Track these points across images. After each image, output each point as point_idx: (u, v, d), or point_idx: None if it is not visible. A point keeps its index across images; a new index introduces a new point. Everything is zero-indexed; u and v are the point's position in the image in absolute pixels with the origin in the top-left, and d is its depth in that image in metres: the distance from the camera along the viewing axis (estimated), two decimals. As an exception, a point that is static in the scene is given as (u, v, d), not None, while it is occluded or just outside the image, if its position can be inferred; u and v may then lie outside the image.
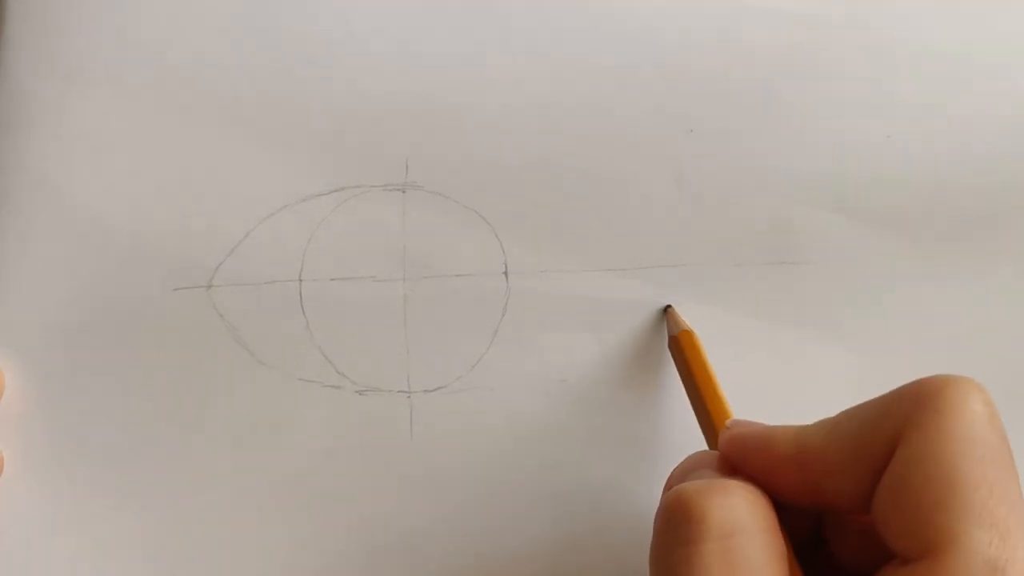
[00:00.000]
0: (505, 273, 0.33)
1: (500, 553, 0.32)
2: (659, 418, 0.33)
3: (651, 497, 0.32)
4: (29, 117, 0.33)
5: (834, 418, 0.24)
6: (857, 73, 0.35)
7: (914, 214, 0.35)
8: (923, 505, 0.21)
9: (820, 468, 0.24)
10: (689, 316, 0.34)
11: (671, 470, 0.28)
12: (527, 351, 0.33)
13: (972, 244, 0.35)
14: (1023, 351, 0.35)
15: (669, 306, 0.33)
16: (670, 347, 0.33)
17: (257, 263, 0.33)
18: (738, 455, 0.25)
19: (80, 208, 0.32)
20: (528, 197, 0.34)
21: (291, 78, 0.33)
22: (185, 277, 0.32)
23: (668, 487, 0.27)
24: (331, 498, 0.32)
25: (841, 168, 0.35)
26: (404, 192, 0.33)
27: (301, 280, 0.33)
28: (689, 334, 0.32)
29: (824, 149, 0.35)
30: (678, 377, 0.32)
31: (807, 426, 0.25)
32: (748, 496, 0.23)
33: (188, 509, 0.32)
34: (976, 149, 0.35)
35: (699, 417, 0.30)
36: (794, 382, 0.34)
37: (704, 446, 0.29)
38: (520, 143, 0.34)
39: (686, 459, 0.27)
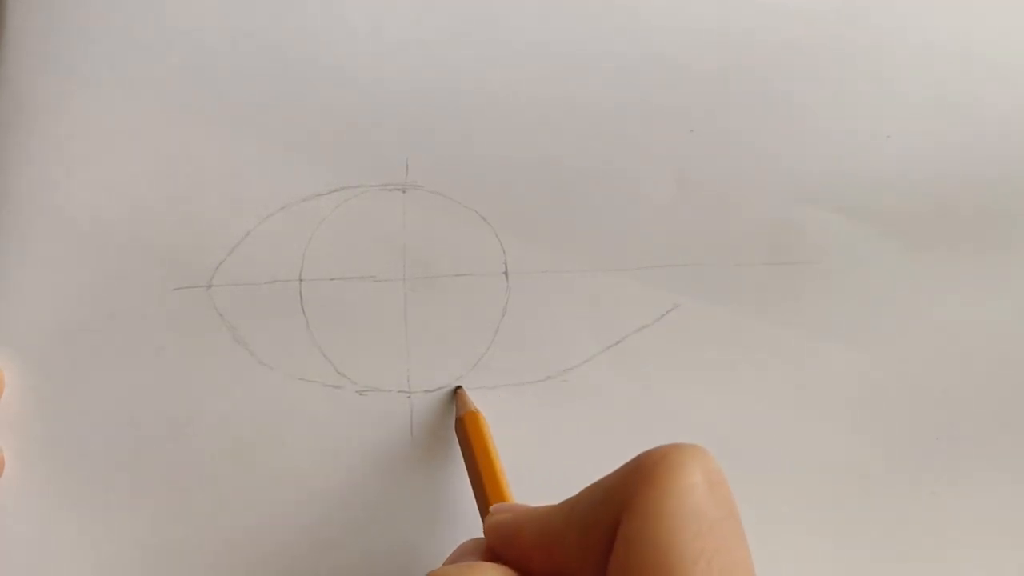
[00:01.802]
0: (505, 273, 0.33)
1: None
2: (658, 418, 0.33)
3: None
4: (29, 117, 0.33)
5: (573, 498, 0.24)
6: (858, 73, 0.35)
7: (914, 214, 0.35)
8: None
9: (561, 553, 0.23)
10: (689, 316, 0.34)
11: None
12: (527, 351, 0.33)
13: (973, 243, 0.35)
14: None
15: (459, 387, 0.33)
16: (456, 428, 0.32)
17: (257, 263, 0.33)
18: (497, 542, 0.25)
19: (80, 208, 0.32)
20: (528, 197, 0.34)
21: (291, 78, 0.33)
22: (185, 277, 0.32)
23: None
24: (331, 498, 0.32)
25: (842, 168, 0.35)
26: (404, 192, 0.33)
27: (301, 280, 0.33)
28: (474, 416, 0.31)
29: (825, 149, 0.35)
30: (677, 372, 0.32)
31: (553, 507, 0.24)
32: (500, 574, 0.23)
33: (188, 509, 0.32)
34: (977, 148, 0.35)
35: (478, 500, 0.30)
36: (794, 382, 0.34)
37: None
38: (520, 143, 0.34)
39: (458, 547, 0.28)
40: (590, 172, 0.34)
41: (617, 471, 0.23)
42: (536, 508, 0.25)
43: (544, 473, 0.33)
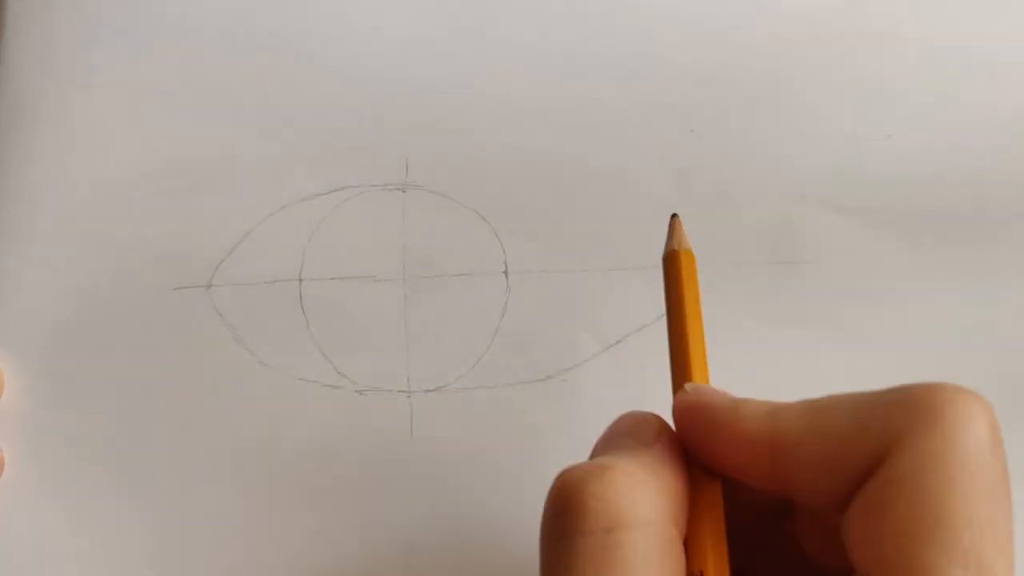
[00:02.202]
0: (505, 272, 0.33)
1: (500, 552, 0.32)
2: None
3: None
4: (29, 117, 0.33)
5: (816, 404, 0.22)
6: (858, 72, 0.35)
7: (914, 214, 0.35)
8: (902, 534, 0.19)
9: (794, 460, 0.21)
10: (689, 316, 0.34)
11: None
12: (527, 350, 0.33)
13: (973, 243, 0.35)
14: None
15: (675, 215, 0.29)
16: (664, 265, 0.28)
17: (257, 262, 0.33)
18: (692, 427, 0.23)
19: (80, 208, 0.32)
20: (528, 196, 0.34)
21: (291, 78, 0.33)
22: (185, 276, 0.32)
23: (593, 451, 0.24)
24: (331, 498, 0.32)
25: (842, 167, 0.35)
26: (404, 191, 0.33)
27: (301, 279, 0.33)
28: (688, 255, 0.28)
29: (825, 148, 0.35)
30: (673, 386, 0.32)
31: (780, 406, 0.22)
32: (633, 484, 0.21)
33: (188, 508, 0.32)
34: (977, 148, 0.35)
35: (672, 359, 0.26)
36: (794, 382, 0.34)
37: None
38: (520, 143, 0.34)
39: (622, 417, 0.25)
40: (590, 171, 0.34)
41: (884, 394, 0.21)
42: (746, 400, 0.23)
43: (545, 473, 0.33)
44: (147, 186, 0.33)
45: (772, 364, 0.34)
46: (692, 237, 0.34)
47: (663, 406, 0.33)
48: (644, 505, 0.20)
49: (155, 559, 0.32)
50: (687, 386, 0.25)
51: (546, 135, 0.34)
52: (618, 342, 0.33)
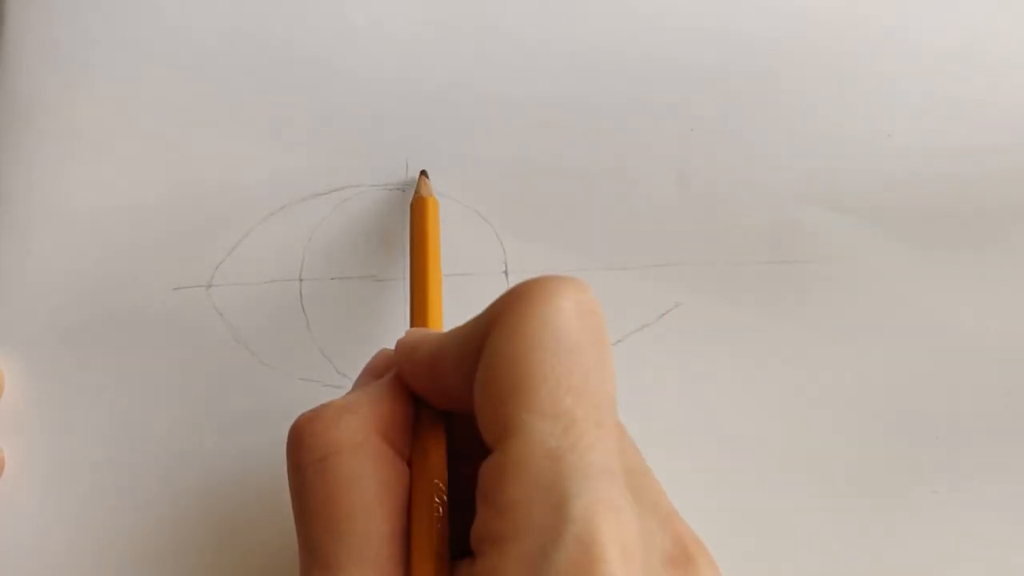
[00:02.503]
0: (505, 272, 0.33)
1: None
2: (659, 417, 0.33)
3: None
4: (29, 117, 0.33)
5: (462, 324, 0.24)
6: (858, 72, 0.35)
7: (915, 213, 0.35)
8: (497, 398, 0.21)
9: (443, 372, 0.24)
10: (689, 315, 0.34)
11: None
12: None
13: (973, 243, 0.35)
14: (1024, 350, 0.35)
15: (423, 171, 0.33)
16: (411, 211, 0.32)
17: (257, 262, 0.33)
18: (399, 362, 0.26)
19: (80, 208, 0.32)
20: (528, 197, 0.34)
21: (291, 77, 0.33)
22: (185, 276, 0.32)
23: (354, 384, 0.28)
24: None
25: (842, 167, 0.35)
26: (404, 192, 0.33)
27: (301, 279, 0.33)
28: (425, 201, 0.31)
29: (825, 148, 0.35)
30: (678, 371, 0.32)
31: (447, 331, 0.25)
32: (340, 414, 0.24)
33: (188, 508, 0.32)
34: (978, 148, 0.35)
35: (411, 302, 0.30)
36: (794, 382, 0.34)
37: None
38: (520, 143, 0.34)
39: (375, 355, 0.28)
40: (590, 171, 0.34)
41: (498, 297, 0.23)
42: (440, 332, 0.26)
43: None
44: (147, 186, 0.33)
45: (772, 364, 0.34)
46: (692, 237, 0.34)
47: (662, 404, 0.33)
48: (350, 430, 0.24)
49: (155, 559, 0.32)
50: (408, 330, 0.27)
51: (546, 135, 0.34)
52: (618, 342, 0.33)
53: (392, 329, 0.33)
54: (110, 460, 0.32)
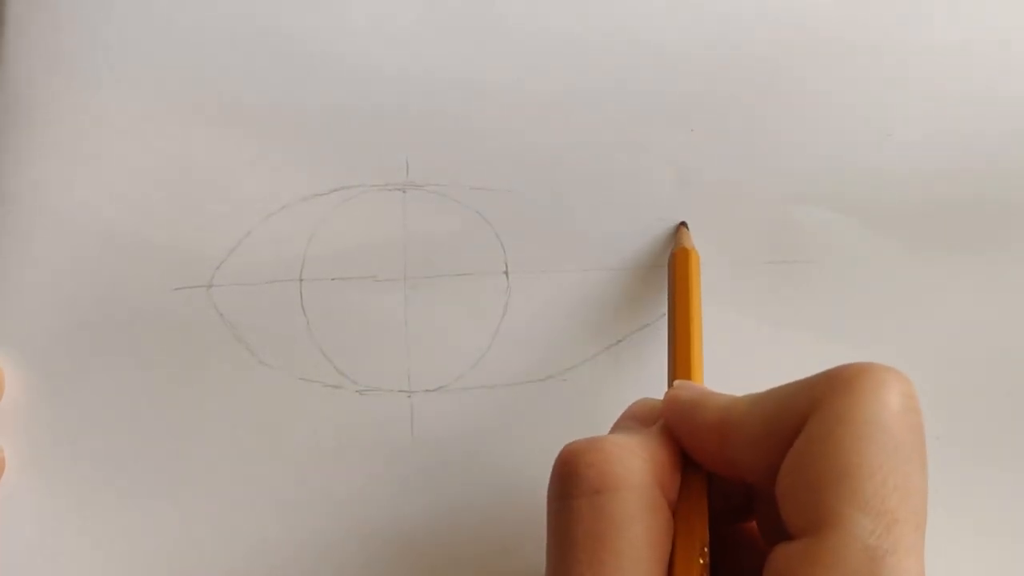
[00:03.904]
0: (506, 273, 0.33)
1: (500, 552, 0.32)
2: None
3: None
4: (29, 117, 0.33)
5: (762, 392, 0.24)
6: (858, 71, 0.35)
7: (914, 213, 0.35)
8: (815, 485, 0.21)
9: (737, 440, 0.24)
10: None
11: None
12: (528, 350, 0.33)
13: (973, 242, 0.35)
14: (1024, 350, 0.35)
15: (683, 223, 0.33)
16: (668, 265, 0.32)
17: (258, 263, 0.33)
18: (672, 416, 0.25)
19: (80, 208, 0.32)
20: (528, 197, 0.34)
21: (291, 77, 0.33)
22: (185, 276, 0.32)
23: (613, 428, 0.28)
24: (331, 498, 0.32)
25: (842, 166, 0.35)
26: (404, 192, 0.33)
27: (302, 280, 0.33)
28: (687, 253, 0.31)
29: (825, 148, 0.35)
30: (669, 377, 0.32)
31: (736, 398, 0.25)
32: (621, 453, 0.23)
33: (188, 508, 0.32)
34: (977, 147, 0.35)
35: (671, 355, 0.30)
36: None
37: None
38: (520, 143, 0.34)
39: (635, 402, 0.28)
40: (590, 172, 0.34)
41: (812, 376, 0.23)
42: (719, 394, 0.25)
43: (545, 473, 0.33)
44: (147, 186, 0.33)
45: (772, 364, 0.34)
46: (692, 236, 0.34)
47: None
48: (630, 471, 0.23)
49: (155, 558, 0.32)
50: (676, 382, 0.28)
51: (546, 135, 0.34)
52: (618, 342, 0.33)
53: (392, 330, 0.33)
54: (110, 459, 0.32)
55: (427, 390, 0.33)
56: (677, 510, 0.24)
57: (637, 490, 0.23)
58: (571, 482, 0.23)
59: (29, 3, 0.33)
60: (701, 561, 0.23)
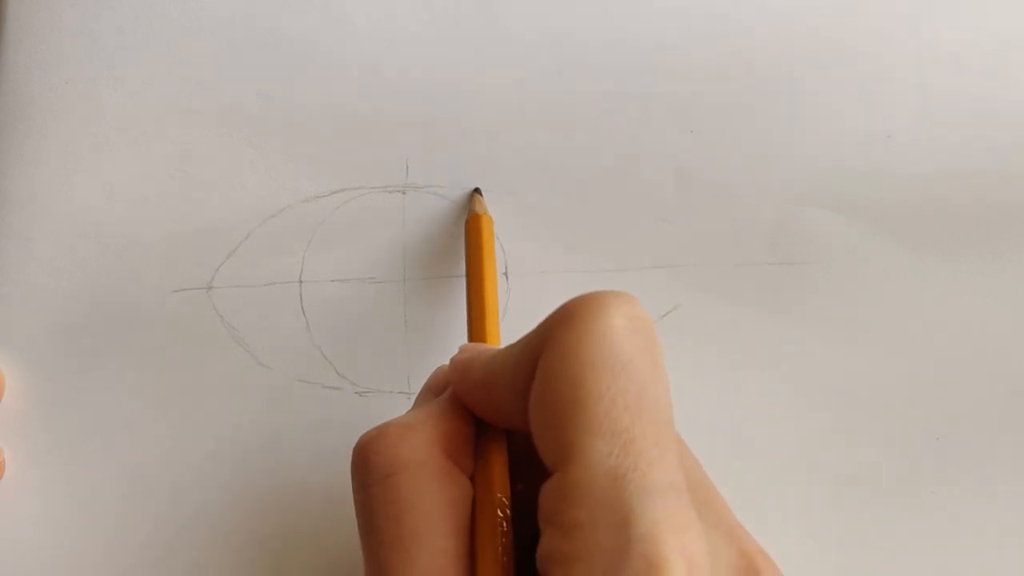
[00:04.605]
0: (505, 274, 0.33)
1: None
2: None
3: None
4: (29, 118, 0.33)
5: (514, 342, 0.24)
6: (858, 72, 0.35)
7: (915, 213, 0.35)
8: (553, 420, 0.21)
9: (496, 391, 0.24)
10: (690, 316, 0.34)
11: None
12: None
13: (973, 243, 0.35)
14: None
15: (477, 188, 0.33)
16: (466, 229, 0.32)
17: (257, 264, 0.33)
18: (454, 377, 0.26)
19: (80, 209, 0.32)
20: (528, 198, 0.34)
21: (291, 79, 0.33)
22: (185, 278, 0.32)
23: (414, 403, 0.28)
24: (331, 499, 0.32)
25: (842, 168, 0.35)
26: (404, 194, 0.33)
27: (301, 281, 0.33)
28: (480, 218, 0.32)
29: (825, 149, 0.35)
30: (678, 372, 0.32)
31: (501, 348, 0.25)
32: (404, 433, 0.24)
33: (188, 510, 0.32)
34: (977, 148, 0.35)
35: (468, 317, 0.30)
36: (794, 382, 0.34)
37: None
38: (519, 144, 0.34)
39: (432, 374, 0.28)
40: (590, 172, 0.34)
41: (549, 315, 0.23)
42: (492, 348, 0.26)
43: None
44: (147, 187, 0.33)
45: (772, 365, 0.34)
46: (692, 237, 0.34)
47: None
48: (413, 449, 0.24)
49: (155, 560, 0.32)
50: (461, 346, 0.27)
51: (546, 137, 0.34)
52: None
53: (392, 331, 0.33)
54: (110, 461, 0.32)
55: (427, 391, 0.33)
56: (475, 472, 0.24)
57: (423, 465, 0.23)
58: (364, 471, 0.24)
59: (29, 3, 0.33)
60: (500, 514, 0.23)
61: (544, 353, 0.22)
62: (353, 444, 0.32)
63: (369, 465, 0.24)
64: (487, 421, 0.25)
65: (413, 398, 0.33)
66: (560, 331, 0.22)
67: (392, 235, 0.33)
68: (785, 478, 0.34)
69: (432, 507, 0.23)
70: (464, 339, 0.32)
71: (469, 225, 0.32)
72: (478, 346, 0.27)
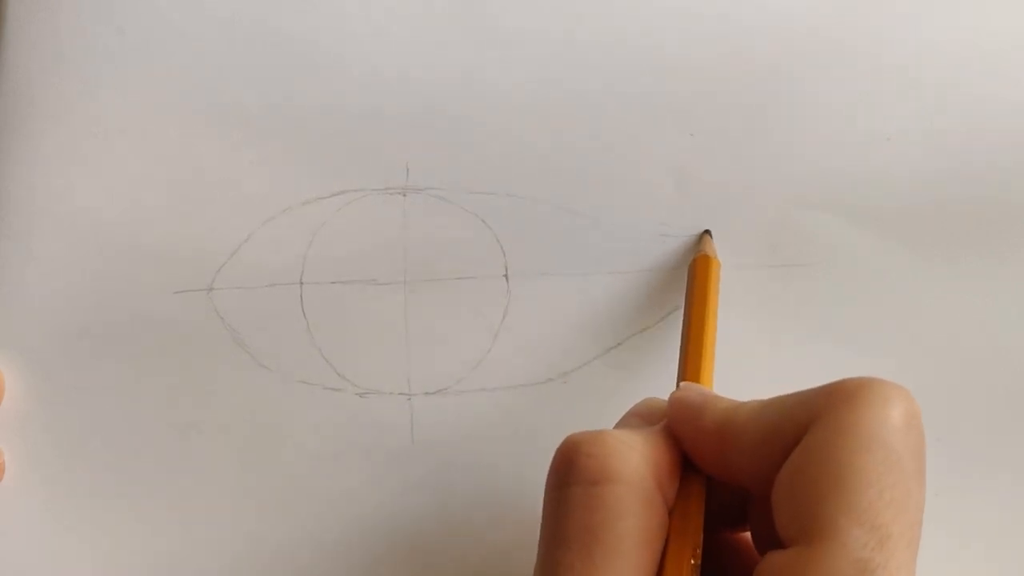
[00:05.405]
0: (506, 276, 0.33)
1: (500, 554, 0.32)
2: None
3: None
4: (29, 117, 0.33)
5: (764, 400, 0.24)
6: (858, 73, 0.35)
7: (914, 215, 0.35)
8: (810, 495, 0.21)
9: (736, 446, 0.24)
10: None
11: None
12: (527, 354, 0.33)
13: (973, 244, 0.35)
14: None
15: (707, 231, 0.34)
16: (688, 269, 0.32)
17: (258, 266, 0.33)
18: (676, 417, 0.25)
19: (80, 210, 0.32)
20: (529, 200, 0.34)
21: (292, 80, 0.33)
22: (186, 280, 0.32)
23: (618, 424, 0.28)
24: (332, 500, 0.32)
25: (842, 169, 0.35)
26: (405, 195, 0.33)
27: (302, 283, 0.33)
28: (708, 260, 0.31)
29: (825, 150, 0.35)
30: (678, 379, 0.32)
31: (738, 404, 0.25)
32: (621, 447, 0.23)
33: (188, 511, 0.32)
34: (977, 148, 0.35)
35: (683, 357, 0.30)
36: (794, 383, 0.34)
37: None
38: (521, 146, 0.34)
39: (641, 401, 0.28)
40: (590, 174, 0.34)
41: (816, 387, 0.23)
42: (723, 398, 0.25)
43: (544, 475, 0.33)
44: (147, 188, 0.33)
45: (773, 366, 0.34)
46: (692, 238, 0.34)
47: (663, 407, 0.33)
48: (628, 465, 0.23)
49: (156, 561, 0.32)
50: (681, 384, 0.27)
51: (547, 138, 0.34)
52: (618, 345, 0.33)
53: (392, 333, 0.33)
54: (110, 463, 0.32)
55: (427, 393, 0.33)
56: (673, 510, 0.24)
57: (633, 485, 0.23)
58: (569, 471, 0.23)
59: (29, 3, 0.33)
60: (692, 562, 0.23)
61: (814, 426, 0.22)
62: (353, 445, 0.32)
63: (577, 466, 0.23)
64: (703, 468, 0.25)
65: (413, 399, 0.33)
66: (838, 408, 0.22)
67: (393, 237, 0.33)
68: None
69: (631, 529, 0.22)
70: (465, 339, 0.33)
71: (696, 266, 0.32)
72: (703, 391, 0.27)
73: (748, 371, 0.34)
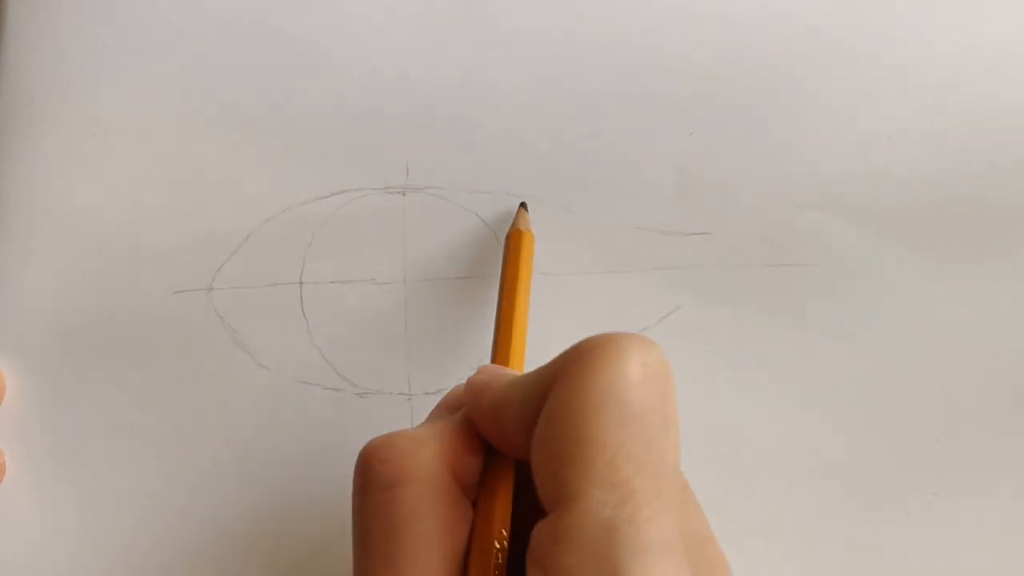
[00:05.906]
0: (505, 276, 0.33)
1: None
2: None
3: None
4: (29, 117, 0.33)
5: (528, 372, 0.24)
6: (858, 73, 0.35)
7: (914, 214, 0.35)
8: (554, 461, 0.21)
9: (505, 420, 0.24)
10: (690, 317, 0.34)
11: None
12: (528, 353, 0.33)
13: (972, 244, 0.35)
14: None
15: (523, 203, 0.33)
16: (505, 243, 0.32)
17: (258, 265, 0.33)
18: (468, 403, 0.25)
19: (80, 210, 0.32)
20: (528, 200, 0.34)
21: (292, 80, 0.33)
22: (185, 279, 0.32)
23: (427, 417, 0.28)
24: (332, 501, 0.32)
25: (842, 169, 0.35)
26: (404, 195, 0.33)
27: (302, 283, 0.33)
28: (522, 234, 0.31)
29: (825, 150, 0.35)
30: (678, 374, 0.32)
31: (516, 377, 0.24)
32: (412, 446, 0.23)
33: (189, 512, 0.32)
34: (977, 148, 0.35)
35: (495, 336, 0.29)
36: (794, 383, 0.34)
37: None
38: (521, 146, 0.34)
39: (451, 390, 0.28)
40: (590, 175, 0.34)
41: (564, 351, 0.23)
42: (508, 374, 0.25)
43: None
44: (147, 188, 0.33)
45: (772, 366, 0.34)
46: (692, 238, 0.34)
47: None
48: (419, 464, 0.23)
49: (156, 562, 0.32)
50: (480, 367, 0.27)
51: (546, 138, 0.34)
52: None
53: (392, 333, 0.33)
54: (110, 463, 0.32)
55: (427, 393, 0.33)
56: (478, 497, 0.24)
57: (426, 481, 0.23)
58: (366, 478, 0.23)
59: (29, 3, 0.33)
60: (497, 545, 0.23)
61: (553, 390, 0.22)
62: (353, 445, 0.32)
63: (372, 472, 0.23)
64: (497, 448, 0.24)
65: (413, 399, 0.33)
66: (572, 369, 0.21)
67: (393, 236, 0.33)
68: (783, 479, 0.34)
69: (429, 525, 0.23)
70: (464, 340, 0.33)
71: (509, 240, 0.31)
72: (497, 369, 0.27)
73: (747, 371, 0.34)
